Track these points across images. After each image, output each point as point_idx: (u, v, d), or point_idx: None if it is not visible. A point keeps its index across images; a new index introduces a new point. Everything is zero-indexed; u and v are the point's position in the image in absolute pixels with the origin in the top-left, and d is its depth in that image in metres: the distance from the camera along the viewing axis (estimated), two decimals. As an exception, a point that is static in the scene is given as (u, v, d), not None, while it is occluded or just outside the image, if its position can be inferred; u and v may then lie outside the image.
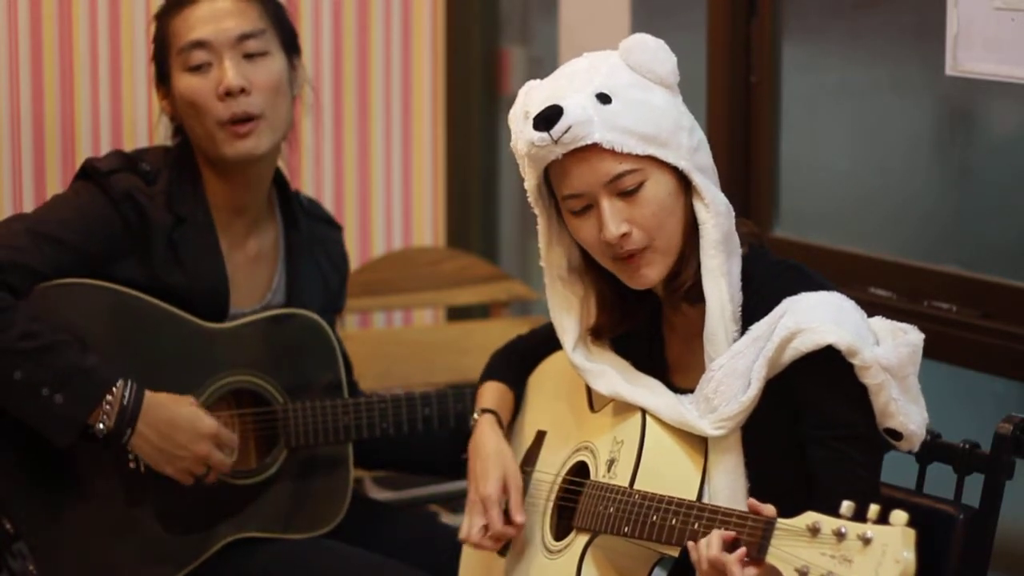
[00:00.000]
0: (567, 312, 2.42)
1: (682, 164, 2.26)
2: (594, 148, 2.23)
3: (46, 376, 2.62)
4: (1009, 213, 3.06)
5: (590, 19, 3.71)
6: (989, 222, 3.11)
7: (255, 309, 2.90)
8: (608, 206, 2.25)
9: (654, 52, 2.29)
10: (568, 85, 2.27)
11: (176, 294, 2.79)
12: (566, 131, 2.21)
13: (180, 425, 2.70)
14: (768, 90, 3.32)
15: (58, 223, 2.74)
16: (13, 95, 3.33)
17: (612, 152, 2.23)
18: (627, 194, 2.25)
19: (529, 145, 2.25)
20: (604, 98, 2.24)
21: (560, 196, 2.31)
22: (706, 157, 2.30)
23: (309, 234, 2.99)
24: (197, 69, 2.80)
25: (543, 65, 3.99)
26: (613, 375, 2.39)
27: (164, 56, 2.85)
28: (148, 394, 2.69)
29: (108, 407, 2.65)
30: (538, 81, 2.34)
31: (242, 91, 2.78)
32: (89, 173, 2.80)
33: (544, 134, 2.22)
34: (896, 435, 2.23)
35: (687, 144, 2.26)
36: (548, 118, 2.22)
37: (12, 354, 2.61)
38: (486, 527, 2.47)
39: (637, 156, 2.23)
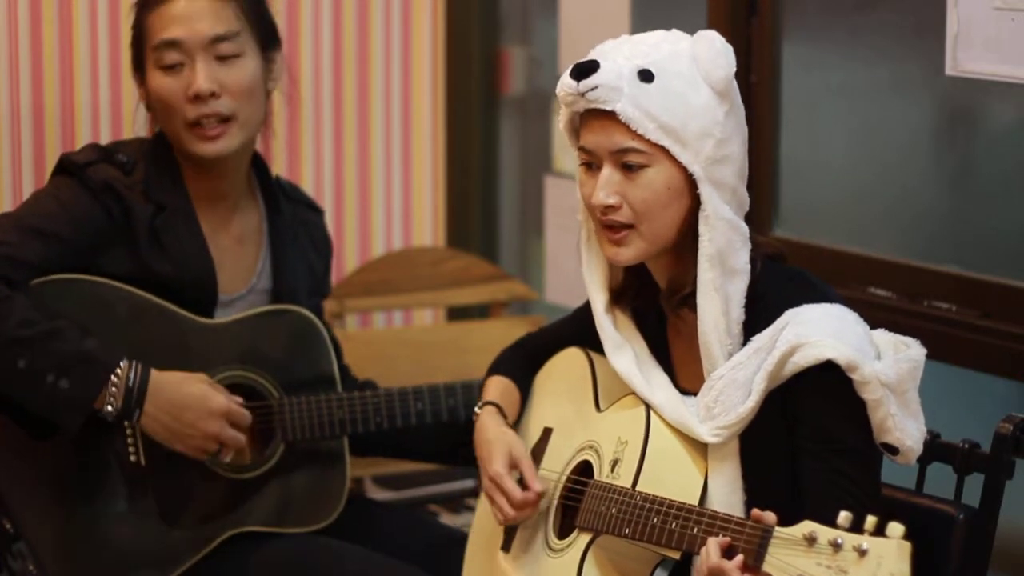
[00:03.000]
0: (596, 270, 2.42)
1: (694, 169, 2.25)
2: (612, 115, 2.25)
3: (50, 362, 2.62)
4: (1009, 213, 3.06)
5: (590, 19, 3.71)
6: (989, 222, 3.11)
7: (242, 293, 2.90)
8: (607, 173, 2.28)
9: (715, 53, 2.28)
10: (626, 49, 2.30)
11: (164, 282, 2.79)
12: (592, 89, 2.25)
13: (189, 404, 2.71)
14: (768, 90, 3.32)
15: (43, 217, 2.74)
16: (13, 93, 3.33)
17: (627, 127, 2.25)
18: (628, 170, 2.27)
19: (560, 88, 2.30)
20: (646, 75, 2.25)
21: (577, 145, 2.34)
22: (728, 174, 2.27)
23: (292, 217, 2.99)
24: (169, 68, 2.79)
25: (543, 65, 3.99)
26: (631, 355, 2.39)
27: (140, 47, 2.86)
28: (155, 373, 2.69)
29: (114, 389, 2.65)
30: (626, 37, 2.36)
31: (212, 95, 2.78)
32: (66, 167, 2.80)
33: (573, 83, 2.27)
34: (893, 449, 2.23)
35: (709, 153, 2.25)
36: (583, 70, 2.27)
37: (13, 343, 2.61)
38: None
39: (650, 141, 2.25)
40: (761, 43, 3.32)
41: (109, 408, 2.66)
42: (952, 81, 2.90)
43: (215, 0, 2.81)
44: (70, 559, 2.74)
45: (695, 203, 2.28)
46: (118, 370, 2.66)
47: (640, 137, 2.25)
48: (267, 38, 2.89)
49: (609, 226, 2.30)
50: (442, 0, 3.88)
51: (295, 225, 2.99)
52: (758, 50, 3.32)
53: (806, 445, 2.23)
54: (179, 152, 2.85)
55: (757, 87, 3.33)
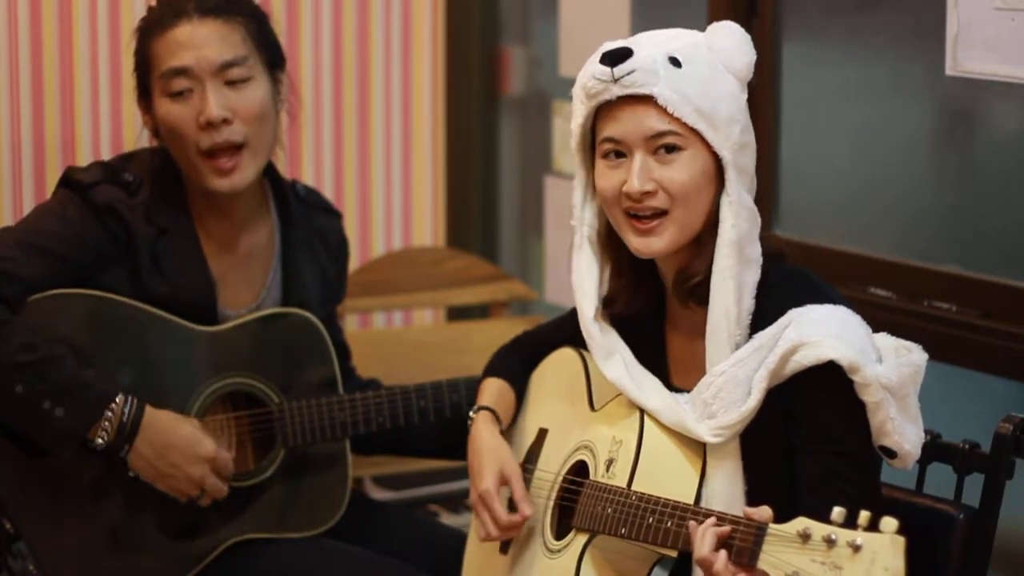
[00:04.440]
0: (588, 277, 2.41)
1: (724, 154, 2.26)
2: (648, 100, 2.25)
3: (47, 390, 2.61)
4: (1009, 213, 3.06)
5: (590, 19, 3.71)
6: (989, 222, 3.11)
7: (249, 308, 2.89)
8: (640, 160, 2.27)
9: (738, 41, 2.30)
10: (646, 40, 2.30)
11: (163, 304, 2.78)
12: (629, 73, 2.24)
13: (177, 445, 2.70)
14: (768, 90, 3.32)
15: (46, 234, 2.72)
16: (13, 99, 3.33)
17: (664, 110, 2.24)
18: (663, 155, 2.26)
19: (589, 77, 2.27)
20: (675, 62, 2.25)
21: (600, 138, 2.31)
22: (748, 161, 2.29)
23: (306, 226, 2.97)
24: (178, 96, 2.76)
25: (543, 65, 3.99)
26: (620, 363, 2.39)
27: (145, 75, 2.82)
28: (149, 410, 2.68)
29: (108, 422, 2.64)
30: (638, 35, 2.36)
31: (224, 121, 2.74)
32: (71, 184, 2.78)
33: (607, 69, 2.25)
34: (890, 453, 2.23)
35: (736, 138, 2.26)
36: (616, 56, 2.25)
37: (12, 368, 2.60)
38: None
39: (685, 124, 2.24)
40: (761, 43, 3.31)
41: (100, 440, 2.64)
42: (952, 81, 2.90)
43: (222, 25, 2.77)
44: (70, 561, 2.74)
45: (716, 191, 2.28)
46: (114, 404, 2.65)
47: (677, 120, 2.24)
48: (273, 59, 2.85)
49: (638, 216, 2.29)
50: (442, 0, 3.88)
51: (309, 234, 2.97)
52: (758, 50, 3.30)
53: (804, 445, 2.23)
54: (189, 181, 2.83)
55: (757, 87, 3.32)
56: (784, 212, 3.36)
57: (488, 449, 2.52)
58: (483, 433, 2.55)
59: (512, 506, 2.49)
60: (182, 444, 2.70)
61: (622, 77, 2.24)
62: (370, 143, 3.82)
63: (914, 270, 3.10)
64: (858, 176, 3.33)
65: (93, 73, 3.41)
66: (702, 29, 2.35)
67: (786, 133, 3.35)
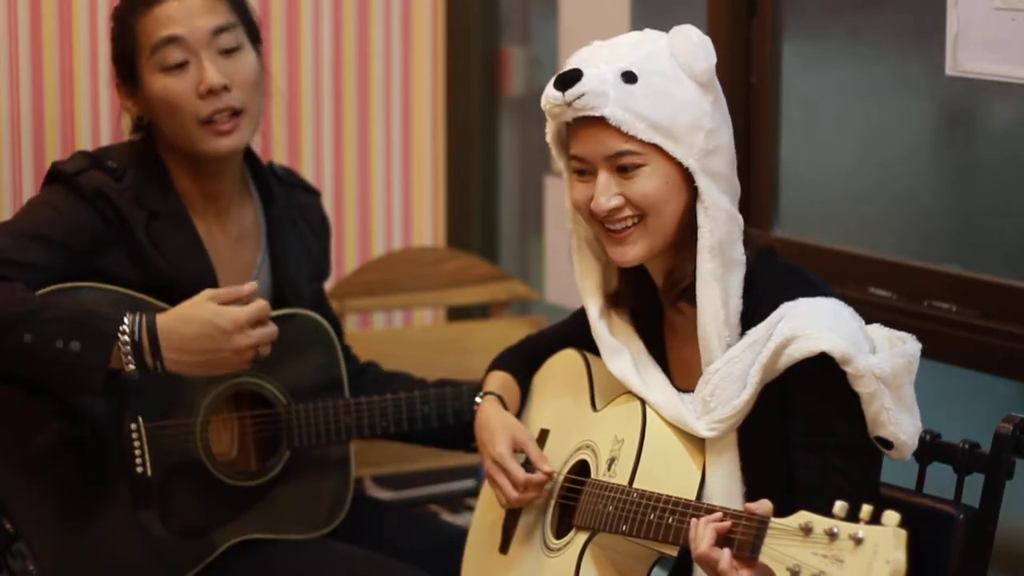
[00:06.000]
0: (589, 276, 2.43)
1: (689, 163, 2.26)
2: (602, 121, 2.26)
3: (55, 330, 2.57)
4: (1009, 213, 3.06)
5: (590, 19, 3.71)
6: (989, 222, 3.11)
7: None
8: (604, 179, 2.29)
9: (695, 47, 2.29)
10: (605, 54, 2.31)
11: (165, 284, 2.77)
12: (578, 97, 2.26)
13: (204, 332, 2.64)
14: (768, 90, 3.32)
15: (40, 223, 2.72)
16: (13, 94, 3.33)
17: (618, 130, 2.25)
18: (624, 171, 2.27)
19: (545, 101, 2.31)
20: (630, 77, 2.26)
21: (569, 153, 2.35)
22: (721, 164, 2.29)
23: (288, 203, 2.98)
24: (174, 68, 2.77)
25: (543, 65, 3.99)
26: (627, 359, 2.40)
27: (131, 56, 2.81)
28: (159, 318, 2.63)
29: (126, 347, 2.61)
30: (599, 43, 2.36)
31: (224, 88, 2.77)
32: (57, 176, 2.78)
33: (558, 94, 2.28)
34: (887, 444, 2.23)
35: (701, 145, 2.26)
36: (566, 80, 2.27)
37: (15, 321, 2.57)
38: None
39: (642, 141, 2.25)
40: (761, 43, 3.32)
41: (131, 367, 2.61)
42: (952, 81, 2.90)
43: None
44: (70, 561, 2.74)
45: (691, 196, 2.28)
46: (123, 326, 2.60)
47: (632, 138, 2.25)
48: (255, 33, 2.88)
49: (612, 228, 2.30)
50: (442, 0, 3.88)
51: (291, 211, 2.99)
52: (758, 50, 3.33)
53: (799, 438, 2.23)
54: (171, 153, 2.82)
55: (757, 87, 3.33)
56: (784, 212, 3.36)
57: (498, 421, 2.52)
58: (491, 412, 2.55)
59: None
60: (208, 329, 2.64)
61: (573, 101, 2.26)
62: (370, 143, 3.82)
63: (914, 270, 3.10)
64: (858, 176, 3.34)
65: (93, 67, 3.41)
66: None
67: (786, 133, 3.35)
